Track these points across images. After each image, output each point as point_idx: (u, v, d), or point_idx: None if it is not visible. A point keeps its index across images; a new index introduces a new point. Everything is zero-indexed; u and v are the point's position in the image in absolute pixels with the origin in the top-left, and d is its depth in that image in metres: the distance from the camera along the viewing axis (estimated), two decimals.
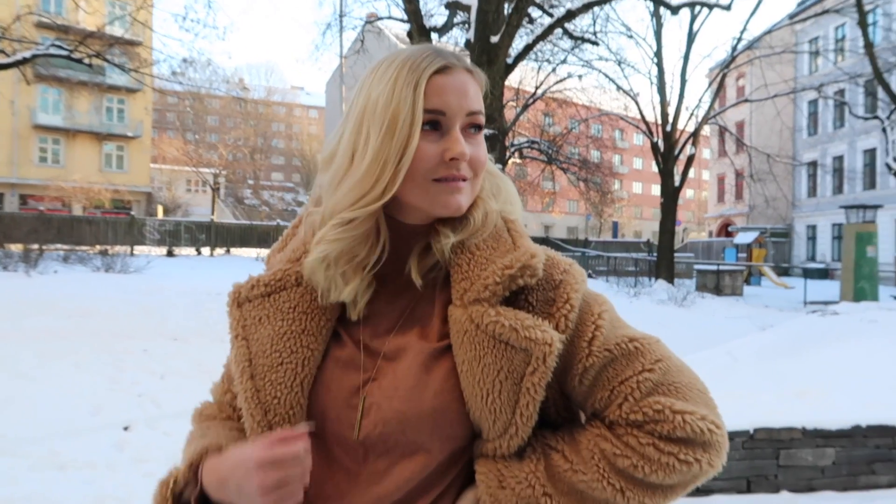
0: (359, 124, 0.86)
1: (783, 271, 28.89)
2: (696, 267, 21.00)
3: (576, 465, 0.83)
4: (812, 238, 33.09)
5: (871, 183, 28.93)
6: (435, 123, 0.85)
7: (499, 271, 0.85)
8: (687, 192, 65.58)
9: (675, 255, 20.83)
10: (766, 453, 4.04)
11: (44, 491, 3.62)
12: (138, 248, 22.69)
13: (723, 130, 20.29)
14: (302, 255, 0.91)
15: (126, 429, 4.72)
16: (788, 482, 4.04)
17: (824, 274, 27.35)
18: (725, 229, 38.34)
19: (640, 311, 12.61)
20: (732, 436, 4.00)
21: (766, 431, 4.05)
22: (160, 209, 37.04)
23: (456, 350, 0.85)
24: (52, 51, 11.41)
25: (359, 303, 0.89)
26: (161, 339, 8.22)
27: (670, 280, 18.13)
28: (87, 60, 11.89)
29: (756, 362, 5.78)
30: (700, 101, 19.35)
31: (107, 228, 21.94)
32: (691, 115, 19.15)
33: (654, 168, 19.43)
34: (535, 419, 0.85)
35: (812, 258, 31.90)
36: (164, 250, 23.75)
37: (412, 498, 0.85)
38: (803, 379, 5.09)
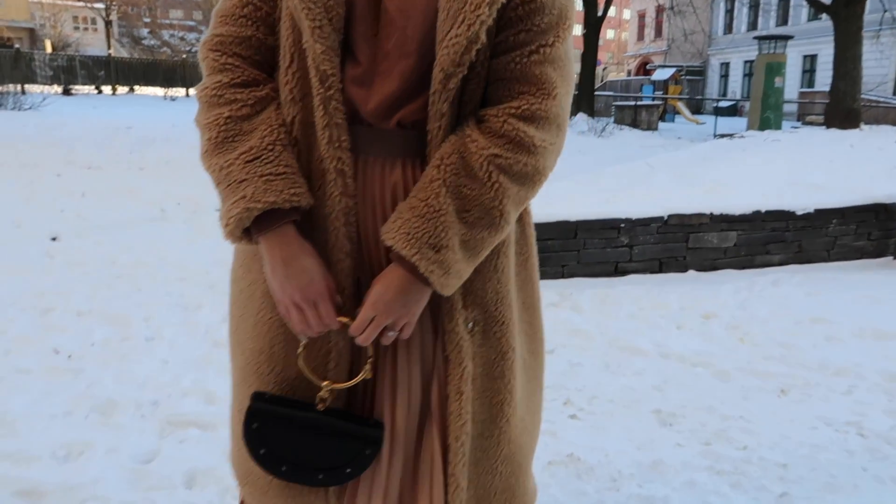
0: None
1: (696, 108, 29.76)
2: (615, 103, 21.34)
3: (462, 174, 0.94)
4: (725, 76, 33.97)
5: (784, 18, 29.56)
6: None
7: None
8: (607, 33, 64.87)
9: (595, 93, 21.00)
10: (677, 237, 4.42)
11: None
12: (29, 87, 20.83)
13: None
14: None
15: (54, 239, 4.63)
16: (695, 262, 4.47)
17: (734, 111, 28.41)
18: (644, 68, 38.67)
19: None
20: (648, 222, 4.34)
21: (678, 217, 4.39)
22: (48, 45, 33.59)
23: None
24: None
25: None
26: (73, 167, 7.84)
27: (590, 113, 18.41)
28: None
29: (670, 170, 6.13)
30: None
31: None
32: None
33: (579, 5, 19.02)
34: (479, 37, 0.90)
35: (724, 94, 32.91)
36: (59, 88, 21.93)
37: (406, 96, 0.95)
38: (712, 179, 5.48)
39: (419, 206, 0.92)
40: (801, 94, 25.24)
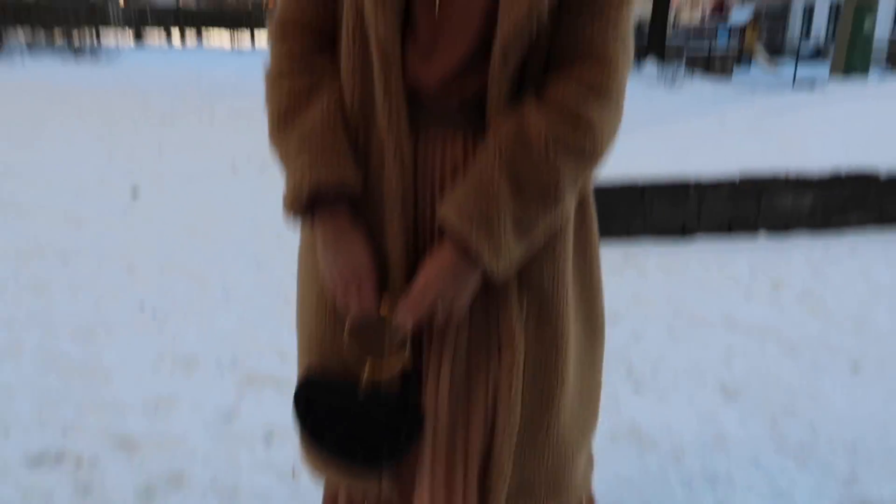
0: None
1: (775, 51, 28.19)
2: (687, 55, 20.40)
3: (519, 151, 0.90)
4: (808, 17, 31.87)
5: None
6: None
7: None
8: None
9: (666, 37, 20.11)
10: (749, 197, 4.28)
11: (59, 240, 3.81)
12: (104, 30, 21.65)
13: None
14: None
15: (135, 193, 4.85)
16: (766, 224, 4.33)
17: (817, 54, 26.78)
18: (720, 7, 36.70)
19: (630, 92, 12.45)
20: (719, 183, 4.21)
21: (750, 182, 4.24)
22: None
23: None
24: None
25: None
26: (149, 117, 8.13)
27: (661, 55, 17.71)
28: None
29: (744, 124, 5.88)
30: None
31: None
32: None
33: None
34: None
35: (807, 35, 30.96)
36: (130, 32, 22.82)
37: (467, 69, 0.93)
38: (789, 133, 5.23)
39: (473, 182, 0.90)
40: (893, 44, 23.47)
